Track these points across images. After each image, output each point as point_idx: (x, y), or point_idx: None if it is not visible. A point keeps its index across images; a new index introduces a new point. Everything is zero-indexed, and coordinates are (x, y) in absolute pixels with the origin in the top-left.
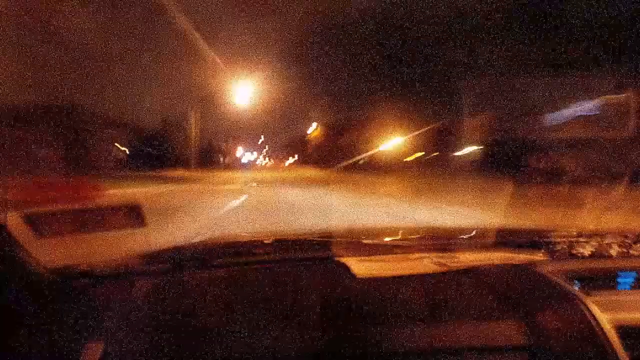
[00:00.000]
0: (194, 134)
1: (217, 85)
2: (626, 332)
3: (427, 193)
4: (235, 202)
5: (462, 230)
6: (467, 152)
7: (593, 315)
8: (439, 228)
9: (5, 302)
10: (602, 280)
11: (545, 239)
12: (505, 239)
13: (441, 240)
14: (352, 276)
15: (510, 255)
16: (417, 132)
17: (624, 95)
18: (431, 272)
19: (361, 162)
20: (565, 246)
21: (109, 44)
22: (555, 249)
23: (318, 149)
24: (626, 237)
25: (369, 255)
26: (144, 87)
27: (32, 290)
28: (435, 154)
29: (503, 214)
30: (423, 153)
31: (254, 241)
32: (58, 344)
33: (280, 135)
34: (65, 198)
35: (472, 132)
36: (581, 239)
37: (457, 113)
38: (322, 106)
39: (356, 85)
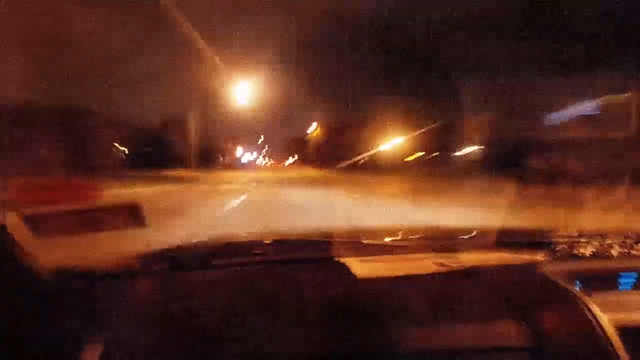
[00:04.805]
0: (193, 134)
1: (217, 85)
2: (627, 332)
3: (427, 193)
4: (235, 202)
5: (462, 230)
6: (467, 152)
7: (594, 316)
8: (439, 228)
9: (5, 302)
10: (603, 280)
11: (546, 239)
12: (506, 239)
13: (441, 240)
14: (353, 276)
15: (511, 255)
16: (417, 132)
17: (624, 95)
18: (432, 272)
19: (361, 162)
20: (566, 246)
21: (108, 43)
22: (556, 249)
23: (318, 149)
24: (627, 237)
25: (369, 255)
26: (144, 87)
27: (32, 290)
28: (435, 154)
29: (503, 214)
30: (423, 153)
31: (254, 241)
32: (58, 344)
33: (280, 135)
34: (65, 198)
35: (472, 132)
36: (582, 240)
37: (457, 113)
38: (322, 106)
39: (356, 86)
